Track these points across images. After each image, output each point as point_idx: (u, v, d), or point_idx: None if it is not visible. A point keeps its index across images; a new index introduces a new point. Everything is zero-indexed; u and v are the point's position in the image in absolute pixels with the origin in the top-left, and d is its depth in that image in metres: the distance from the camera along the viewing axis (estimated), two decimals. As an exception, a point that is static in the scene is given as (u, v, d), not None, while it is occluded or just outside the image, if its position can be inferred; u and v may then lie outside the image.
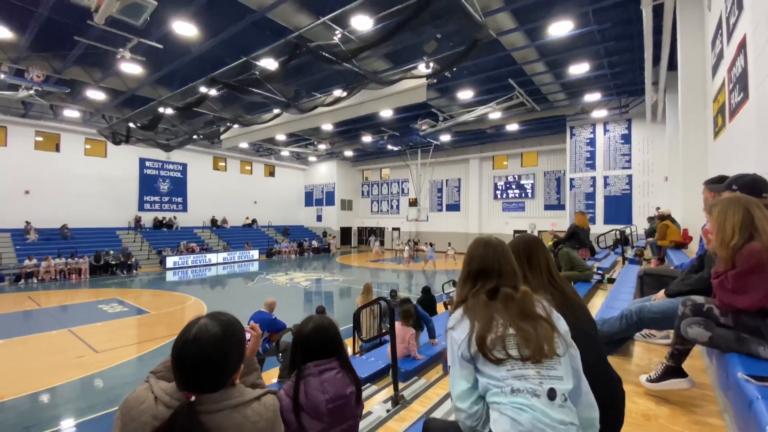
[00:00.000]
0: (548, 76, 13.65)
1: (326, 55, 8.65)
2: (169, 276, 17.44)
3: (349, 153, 27.46)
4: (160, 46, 10.19)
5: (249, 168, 28.48)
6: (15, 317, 10.03)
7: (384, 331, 6.03)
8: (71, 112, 17.28)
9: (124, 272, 17.56)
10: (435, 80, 11.95)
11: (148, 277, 17.10)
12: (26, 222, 17.42)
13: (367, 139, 22.04)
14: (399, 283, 15.69)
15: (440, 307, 8.96)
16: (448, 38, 9.89)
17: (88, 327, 8.96)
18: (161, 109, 14.01)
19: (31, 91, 12.52)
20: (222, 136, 17.30)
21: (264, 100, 13.00)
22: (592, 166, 18.66)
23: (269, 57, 10.19)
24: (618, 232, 9.74)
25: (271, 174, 30.17)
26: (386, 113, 16.51)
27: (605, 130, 18.27)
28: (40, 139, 18.60)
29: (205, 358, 0.95)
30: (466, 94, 14.82)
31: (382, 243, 28.83)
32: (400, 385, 3.38)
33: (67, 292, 13.46)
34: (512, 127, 19.46)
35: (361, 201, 32.26)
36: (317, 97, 13.27)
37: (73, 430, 4.64)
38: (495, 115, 15.99)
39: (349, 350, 5.87)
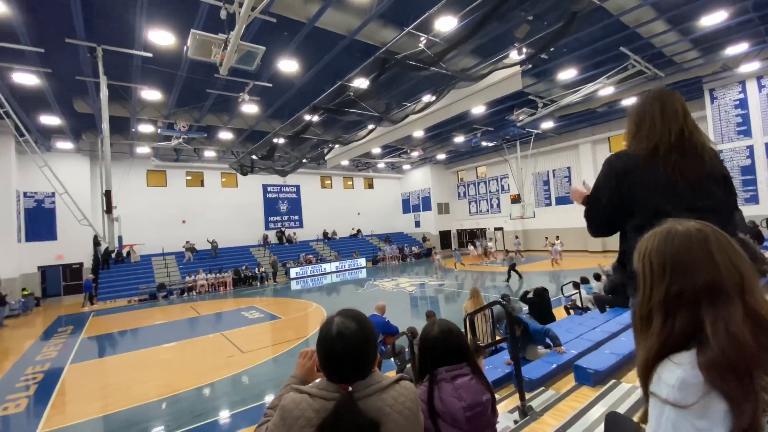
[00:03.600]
0: (672, 35, 11.49)
1: (413, 63, 8.78)
2: (293, 285, 19.56)
3: (441, 156, 27.25)
4: (270, 85, 11.74)
5: (351, 183, 30.50)
6: (182, 324, 12.39)
7: (500, 337, 5.71)
8: (209, 153, 20.85)
9: (258, 283, 20.31)
10: (530, 65, 11.14)
11: (277, 286, 19.44)
12: (187, 242, 21.51)
13: (459, 139, 21.58)
14: (501, 286, 14.82)
15: (560, 312, 8.16)
16: (541, 18, 9.15)
17: (234, 331, 10.56)
18: (275, 140, 16.00)
19: (180, 140, 15.55)
20: (326, 157, 18.93)
21: (359, 117, 13.81)
22: (747, 133, 15.00)
23: (361, 76, 10.79)
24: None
25: (370, 186, 31.75)
26: (478, 109, 15.94)
27: (760, 87, 14.54)
28: (189, 177, 22.99)
29: (352, 350, 1.05)
30: (568, 74, 13.41)
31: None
32: (526, 395, 3.14)
33: (217, 302, 16.12)
34: (629, 101, 16.88)
35: (458, 203, 31.61)
36: (407, 107, 13.53)
37: (228, 420, 5.47)
38: (606, 91, 14.10)
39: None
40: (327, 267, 23.32)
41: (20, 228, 16.59)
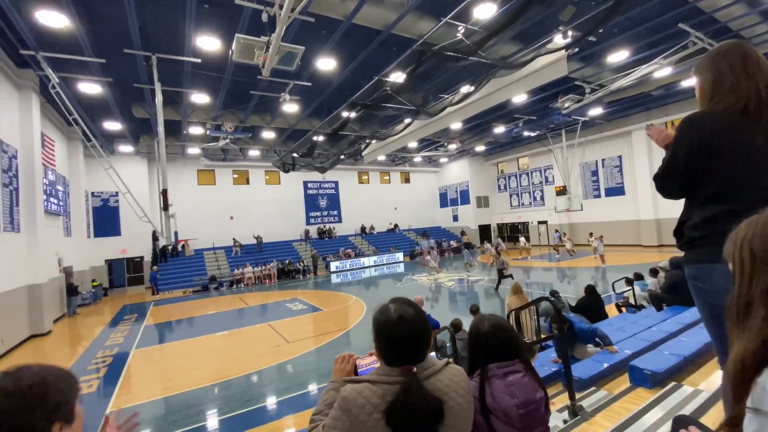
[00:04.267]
0: (739, 7, 10.39)
1: (451, 54, 8.60)
2: (333, 278, 20.04)
3: (480, 148, 26.55)
4: (309, 84, 12.01)
5: (387, 178, 30.60)
6: (233, 314, 13.10)
7: (545, 335, 5.52)
8: (254, 152, 21.74)
9: (301, 276, 21.03)
10: (576, 49, 10.52)
11: (318, 279, 20.01)
12: (233, 239, 22.70)
13: (499, 129, 20.90)
14: (542, 283, 14.24)
15: (611, 310, 7.73)
16: (589, -2, 8.60)
17: (280, 322, 11.02)
18: (315, 138, 16.38)
19: (227, 140, 16.34)
20: (363, 153, 19.11)
21: (396, 112, 13.78)
22: (836, 111, 13.22)
23: (398, 71, 10.76)
24: None
25: (407, 180, 31.67)
26: (519, 98, 15.35)
27: None
28: (236, 176, 24.18)
29: (412, 334, 1.09)
30: (618, 56, 12.52)
31: (441, 253, 25.03)
32: (576, 395, 3.02)
33: (263, 294, 16.88)
34: (689, 82, 15.47)
35: (498, 196, 30.70)
36: (445, 98, 13.31)
37: (275, 407, 5.73)
38: (663, 72, 13.00)
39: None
40: (365, 261, 23.66)
41: (89, 225, 18.32)
